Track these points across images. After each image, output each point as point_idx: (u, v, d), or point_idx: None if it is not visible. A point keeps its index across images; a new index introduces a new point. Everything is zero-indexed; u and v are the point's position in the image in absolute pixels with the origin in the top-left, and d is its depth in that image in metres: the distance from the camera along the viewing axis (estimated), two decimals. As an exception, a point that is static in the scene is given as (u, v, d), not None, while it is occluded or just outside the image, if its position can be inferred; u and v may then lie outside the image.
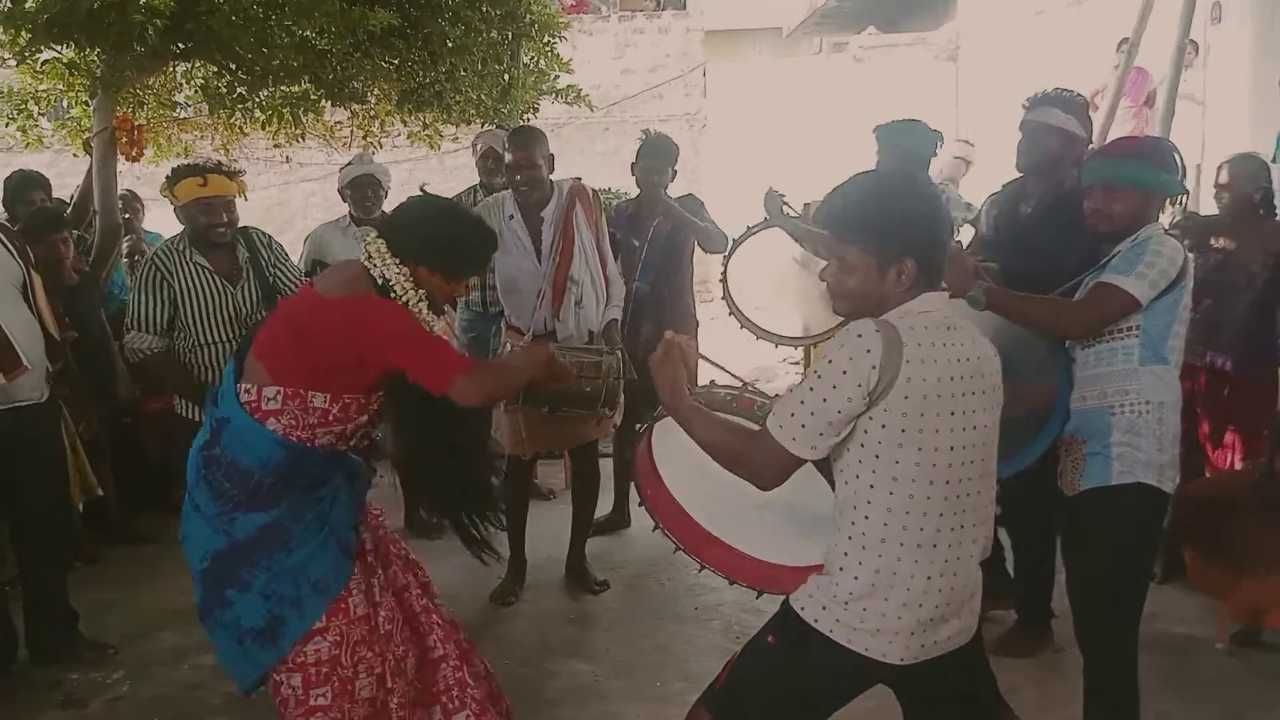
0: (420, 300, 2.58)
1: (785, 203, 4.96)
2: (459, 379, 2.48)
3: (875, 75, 13.59)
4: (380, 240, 2.59)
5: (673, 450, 2.76)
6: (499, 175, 5.02)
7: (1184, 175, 3.00)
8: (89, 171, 5.37)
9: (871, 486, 2.04)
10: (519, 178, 4.19)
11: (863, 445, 2.03)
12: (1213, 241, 4.29)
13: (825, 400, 1.99)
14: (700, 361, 2.86)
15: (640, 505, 2.75)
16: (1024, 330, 3.09)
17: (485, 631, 4.10)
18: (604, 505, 5.15)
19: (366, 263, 2.58)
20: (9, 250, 3.53)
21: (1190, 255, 2.99)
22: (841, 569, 2.08)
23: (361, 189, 5.06)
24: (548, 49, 6.66)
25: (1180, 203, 3.05)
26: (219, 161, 4.16)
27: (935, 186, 2.13)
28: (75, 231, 5.25)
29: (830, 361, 2.00)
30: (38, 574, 3.79)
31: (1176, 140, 6.08)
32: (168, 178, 3.97)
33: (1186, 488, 3.84)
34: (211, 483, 2.52)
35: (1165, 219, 3.97)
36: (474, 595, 4.42)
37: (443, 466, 2.75)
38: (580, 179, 4.46)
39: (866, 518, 2.05)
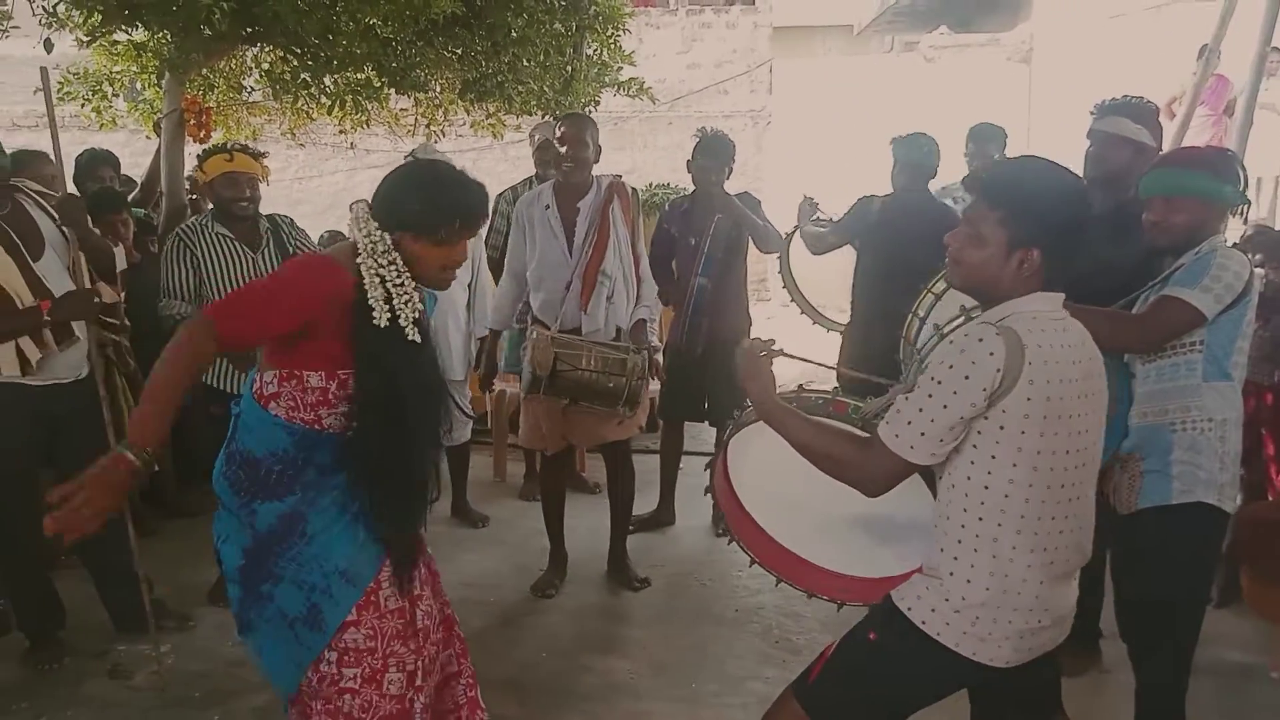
0: (390, 265, 2.35)
1: (816, 208, 5.07)
2: (198, 322, 2.24)
3: (946, 76, 13.40)
4: (362, 202, 2.43)
5: (747, 467, 2.74)
6: (554, 167, 5.04)
7: (1245, 185, 2.90)
8: (157, 152, 5.48)
9: (986, 488, 2.03)
10: (566, 152, 4.17)
11: (976, 447, 2.02)
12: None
13: (946, 407, 1.98)
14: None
15: (721, 534, 2.71)
16: None
17: (523, 623, 4.11)
18: (650, 501, 5.15)
19: (349, 226, 2.42)
20: (55, 224, 3.62)
21: (1258, 270, 2.89)
22: (952, 573, 2.08)
23: None
24: (611, 41, 6.65)
25: (1243, 214, 2.95)
26: (244, 144, 4.36)
27: (1084, 189, 2.08)
28: (143, 210, 5.38)
29: (951, 367, 1.98)
30: (93, 548, 3.86)
31: (1254, 150, 5.92)
32: (199, 158, 4.21)
33: (1247, 510, 3.73)
34: (230, 478, 2.47)
35: (1233, 231, 3.85)
36: (514, 586, 4.45)
37: (394, 464, 2.49)
38: (620, 176, 4.43)
39: (980, 519, 2.04)
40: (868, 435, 2.21)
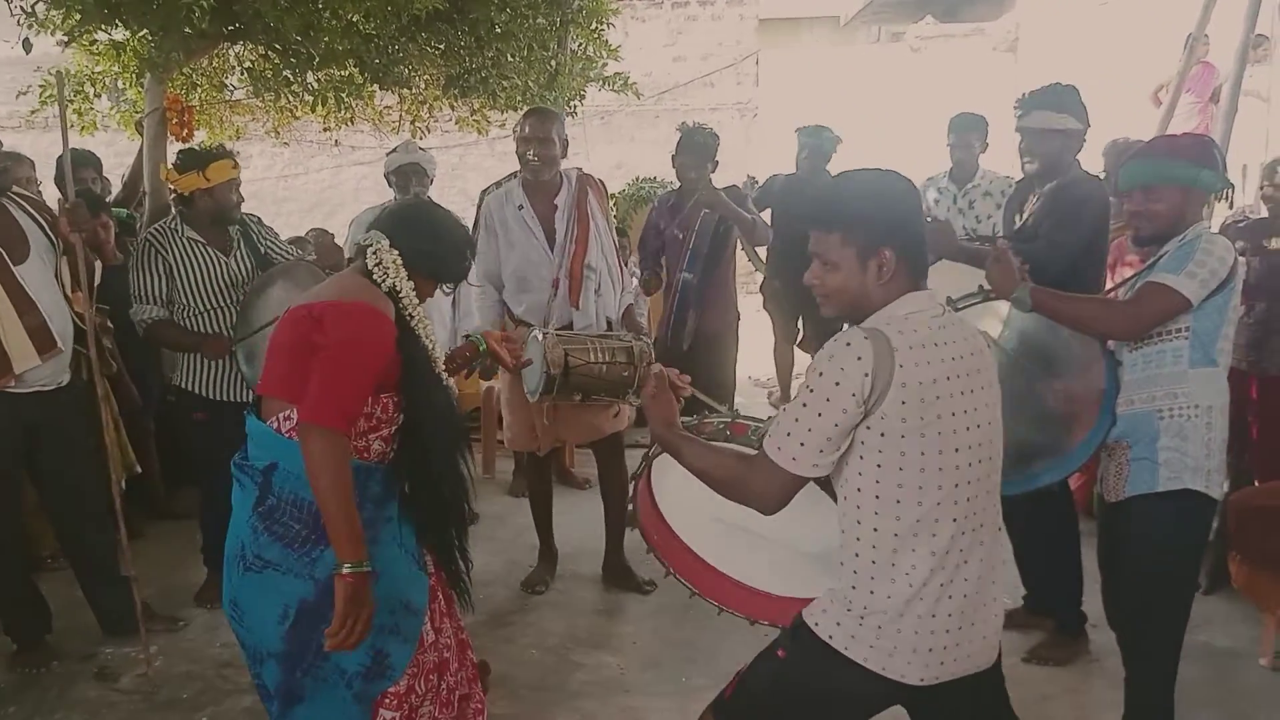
0: (424, 314, 2.48)
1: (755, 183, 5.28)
2: (322, 431, 2.25)
3: (932, 66, 13.42)
4: (395, 251, 2.44)
5: (673, 488, 2.73)
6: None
7: (1225, 170, 2.91)
8: (140, 152, 5.44)
9: (877, 497, 1.99)
10: (532, 153, 4.09)
11: (861, 457, 1.99)
12: (1268, 244, 4.16)
13: (820, 415, 1.95)
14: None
15: (647, 553, 2.72)
16: (1066, 330, 3.04)
17: (514, 619, 4.11)
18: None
19: (376, 270, 2.42)
20: (41, 228, 3.59)
21: (1240, 257, 2.90)
22: (854, 586, 2.03)
23: (405, 177, 5.09)
24: (596, 35, 6.62)
25: (1228, 199, 2.96)
26: (222, 144, 4.35)
27: (906, 181, 2.10)
28: (125, 211, 5.35)
29: (821, 374, 1.96)
30: (79, 551, 3.86)
31: (1239, 137, 5.93)
32: (191, 161, 4.05)
33: (1235, 496, 3.75)
34: (278, 533, 2.35)
35: (1216, 217, 3.88)
36: (504, 583, 4.44)
37: (432, 486, 2.53)
38: (580, 168, 4.36)
39: (875, 529, 2.00)
40: (755, 454, 2.16)
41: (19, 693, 3.53)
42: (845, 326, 2.07)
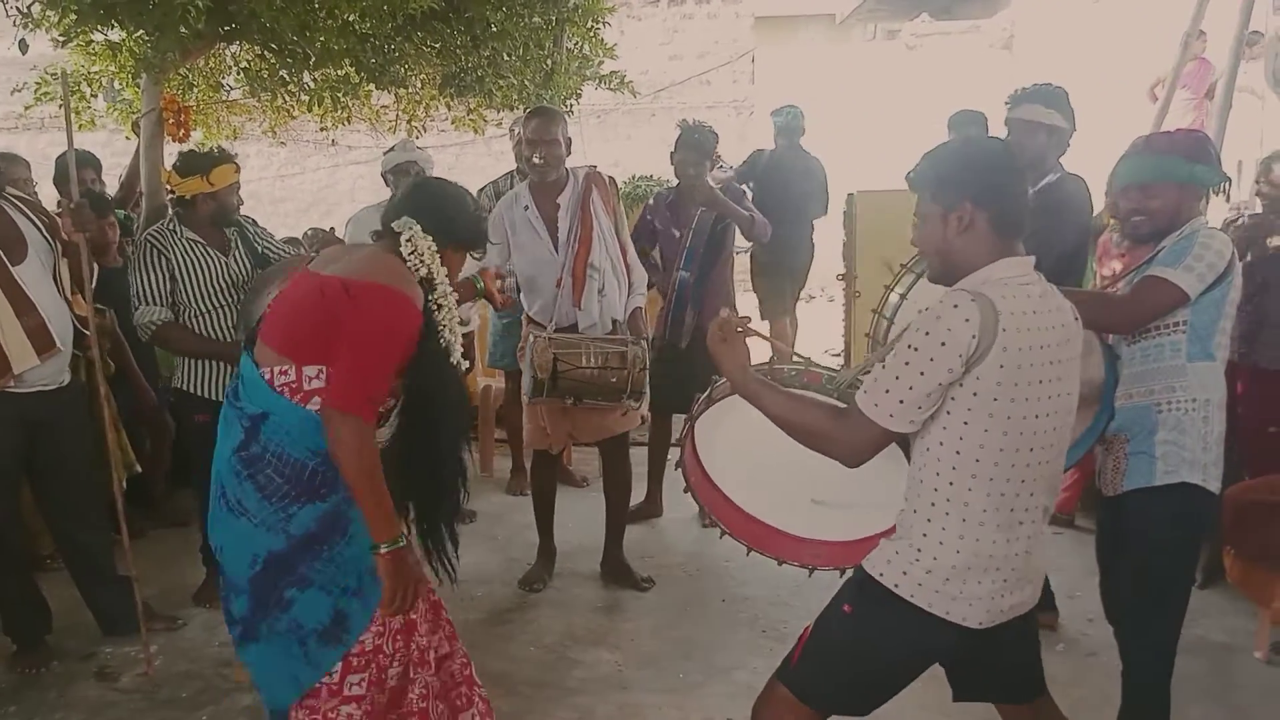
0: (453, 301, 2.54)
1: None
2: (352, 419, 2.31)
3: (928, 63, 13.42)
4: (428, 236, 2.48)
5: (717, 440, 2.75)
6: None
7: (1219, 163, 2.92)
8: (136, 152, 5.44)
9: (958, 453, 2.07)
10: (538, 155, 4.11)
11: (949, 413, 2.06)
12: (1270, 241, 4.18)
13: (923, 374, 2.01)
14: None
15: (685, 492, 2.73)
16: None
17: (512, 617, 4.12)
18: (638, 493, 5.15)
19: (410, 257, 2.45)
20: (38, 229, 3.58)
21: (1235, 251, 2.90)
22: (925, 535, 2.11)
23: (403, 175, 5.09)
24: (591, 34, 6.61)
25: (1225, 192, 2.97)
26: (223, 147, 4.33)
27: (1001, 146, 2.21)
28: (123, 212, 5.35)
29: (927, 334, 2.01)
30: (77, 552, 3.86)
31: (1234, 133, 5.95)
32: (194, 165, 4.06)
33: (1230, 491, 3.75)
34: (259, 482, 2.38)
35: (1215, 211, 3.88)
36: (503, 581, 4.45)
37: (432, 470, 2.58)
38: (595, 166, 4.39)
39: (952, 483, 2.08)
40: (844, 405, 2.23)
41: (19, 692, 3.54)
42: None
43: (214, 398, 4.09)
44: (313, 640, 2.44)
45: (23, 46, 4.42)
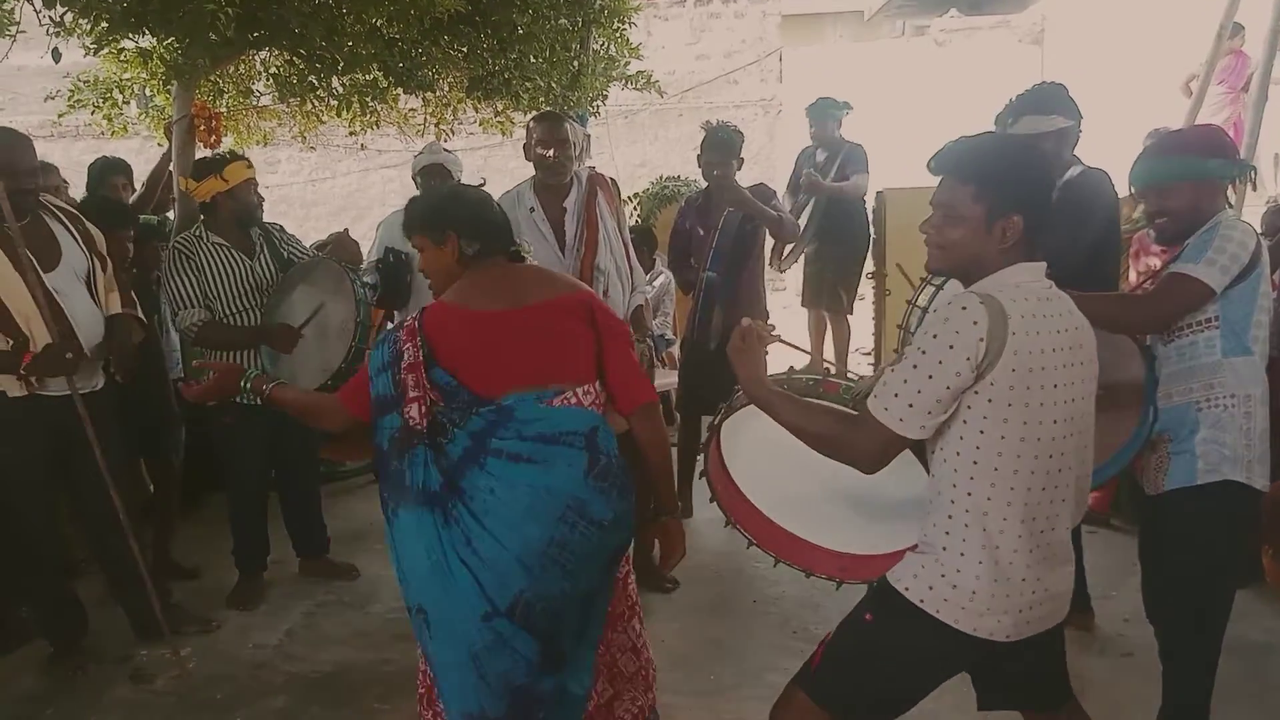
0: None
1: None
2: (656, 405, 2.68)
3: (958, 59, 13.33)
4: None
5: (741, 449, 2.74)
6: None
7: (1236, 155, 2.88)
8: (163, 157, 5.50)
9: (975, 462, 2.03)
10: (553, 154, 4.11)
11: (965, 421, 2.02)
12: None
13: (932, 377, 1.98)
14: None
15: (711, 501, 2.72)
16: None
17: (542, 619, 4.11)
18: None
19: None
20: (74, 237, 3.62)
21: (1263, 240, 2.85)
22: (945, 548, 2.08)
23: (429, 177, 5.11)
24: (618, 35, 6.62)
25: (1251, 182, 2.92)
26: (234, 150, 4.42)
27: (1047, 159, 2.16)
28: (157, 217, 5.41)
29: (935, 336, 1.98)
30: (111, 555, 3.89)
31: (1270, 126, 5.85)
32: (210, 167, 4.18)
33: (1269, 489, 3.69)
34: (622, 488, 2.47)
35: (1249, 204, 3.80)
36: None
37: None
38: (594, 167, 4.40)
39: (969, 494, 2.05)
40: (858, 413, 2.20)
41: (55, 695, 3.58)
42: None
43: (239, 400, 4.13)
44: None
45: (55, 55, 4.47)
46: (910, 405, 2.00)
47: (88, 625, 3.84)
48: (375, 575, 4.58)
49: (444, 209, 2.63)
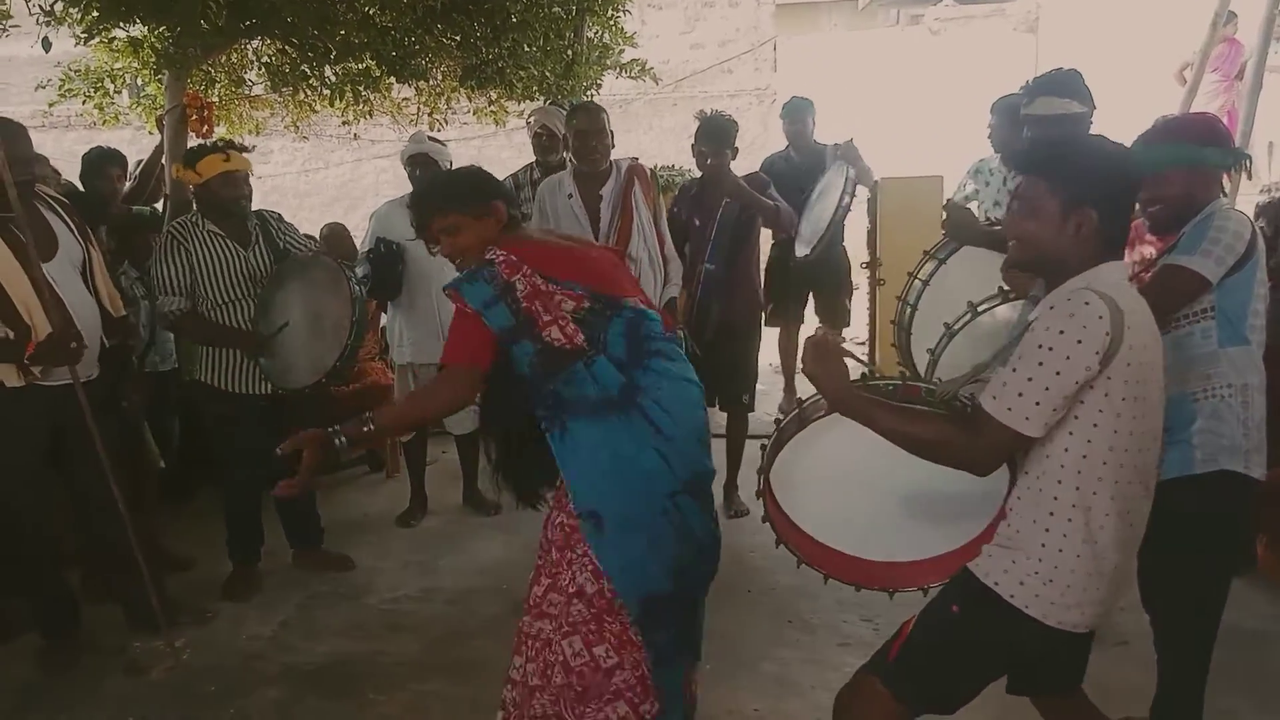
0: None
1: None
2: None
3: (952, 48, 13.31)
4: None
5: (794, 490, 2.72)
6: (554, 153, 5.02)
7: (1232, 144, 2.87)
8: (157, 148, 5.48)
9: (1085, 457, 2.03)
10: (593, 144, 4.25)
11: (1077, 417, 2.02)
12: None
13: (1059, 373, 1.96)
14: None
15: (764, 521, 2.71)
16: None
17: (538, 609, 4.11)
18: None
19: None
20: (69, 227, 3.61)
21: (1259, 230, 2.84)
22: (1044, 544, 2.09)
23: (414, 166, 5.08)
24: (612, 23, 6.60)
25: (1247, 171, 2.92)
26: (232, 140, 4.32)
27: (1129, 156, 2.14)
28: (148, 209, 5.38)
29: (1061, 332, 1.96)
30: (108, 545, 3.87)
31: (1264, 115, 5.85)
32: (184, 158, 4.18)
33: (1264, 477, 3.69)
34: None
35: (1243, 193, 3.79)
36: (527, 574, 4.42)
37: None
38: (637, 158, 4.44)
39: (1078, 488, 2.05)
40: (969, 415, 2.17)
41: (49, 686, 3.57)
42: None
43: (234, 390, 4.13)
44: None
45: (46, 44, 4.45)
46: (1037, 403, 1.98)
47: (81, 616, 3.83)
48: (370, 566, 4.58)
49: (486, 180, 2.76)
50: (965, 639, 2.18)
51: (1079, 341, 1.94)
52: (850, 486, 2.57)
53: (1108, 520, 2.05)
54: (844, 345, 2.34)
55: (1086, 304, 1.95)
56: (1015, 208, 2.14)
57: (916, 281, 3.61)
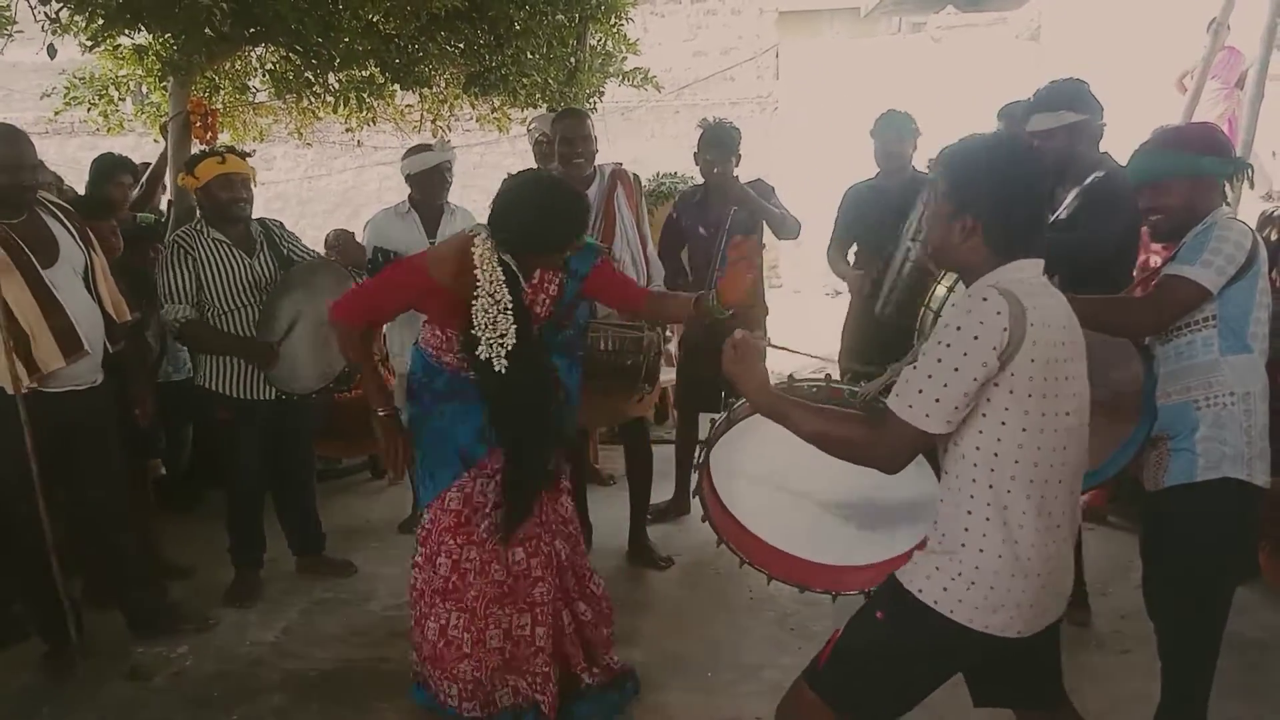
0: (499, 300, 2.91)
1: None
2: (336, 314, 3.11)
3: (954, 56, 13.31)
4: (490, 243, 2.93)
5: (733, 470, 2.73)
6: (554, 159, 5.02)
7: (1232, 152, 2.87)
8: (161, 155, 5.49)
9: (996, 455, 2.03)
10: (578, 150, 4.32)
11: (984, 414, 2.02)
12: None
13: (958, 370, 1.96)
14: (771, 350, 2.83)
15: (703, 520, 2.72)
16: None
17: (539, 616, 4.10)
18: (665, 492, 5.14)
19: (475, 256, 2.92)
20: (71, 233, 3.61)
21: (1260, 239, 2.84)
22: (964, 545, 2.07)
23: (427, 179, 5.02)
24: (615, 31, 6.62)
25: (1248, 180, 2.92)
26: (232, 145, 4.34)
27: (1024, 155, 2.12)
28: (152, 216, 5.39)
29: (958, 328, 1.97)
30: (112, 552, 3.88)
31: (1266, 123, 5.85)
32: (185, 164, 4.20)
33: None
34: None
35: (1246, 202, 3.80)
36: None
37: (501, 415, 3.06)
38: (621, 164, 4.51)
39: (991, 486, 2.04)
40: (868, 416, 2.20)
41: (51, 693, 3.56)
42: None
43: (236, 395, 4.14)
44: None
45: (51, 51, 4.47)
46: (936, 400, 1.98)
47: (81, 623, 3.82)
48: (372, 572, 4.58)
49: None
50: (893, 645, 2.16)
51: (975, 338, 1.95)
52: (791, 488, 2.57)
53: (1026, 519, 2.04)
54: (768, 341, 2.36)
55: (985, 300, 1.97)
56: (930, 207, 2.18)
57: (940, 288, 3.56)
